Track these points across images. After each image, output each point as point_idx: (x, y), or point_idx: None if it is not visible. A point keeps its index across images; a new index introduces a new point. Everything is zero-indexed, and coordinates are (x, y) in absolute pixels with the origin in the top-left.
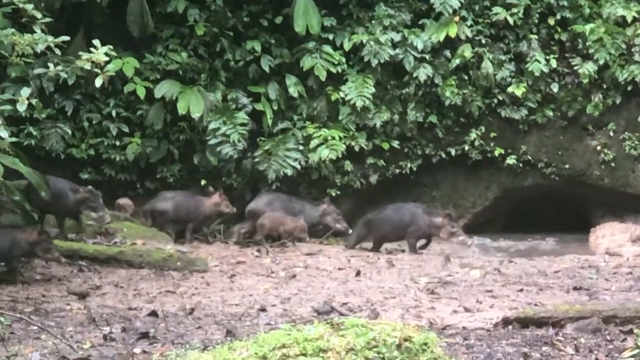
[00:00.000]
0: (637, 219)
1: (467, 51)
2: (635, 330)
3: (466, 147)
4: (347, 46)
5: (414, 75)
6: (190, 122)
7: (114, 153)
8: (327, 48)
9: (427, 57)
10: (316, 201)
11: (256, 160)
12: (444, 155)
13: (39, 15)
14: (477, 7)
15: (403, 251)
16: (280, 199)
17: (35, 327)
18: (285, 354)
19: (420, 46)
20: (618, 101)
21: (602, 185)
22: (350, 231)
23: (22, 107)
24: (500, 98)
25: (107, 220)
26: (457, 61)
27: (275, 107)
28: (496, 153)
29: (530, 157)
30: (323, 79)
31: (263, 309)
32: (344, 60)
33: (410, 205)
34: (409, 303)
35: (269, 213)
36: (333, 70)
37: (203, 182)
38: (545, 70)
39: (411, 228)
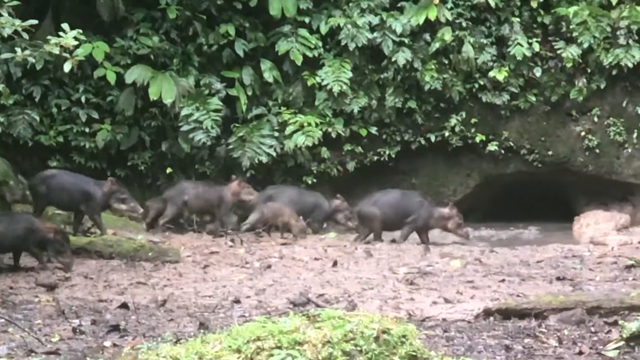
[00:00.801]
0: (622, 207)
1: (447, 34)
2: (620, 322)
3: (446, 133)
4: (323, 30)
5: (393, 59)
6: (162, 108)
7: (84, 140)
8: (303, 32)
9: (406, 40)
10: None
11: (230, 147)
12: (423, 142)
13: None
14: None
15: (395, 240)
16: (288, 192)
17: (2, 320)
18: (259, 346)
19: (399, 29)
20: (603, 86)
21: (586, 172)
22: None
23: None
24: (482, 83)
25: (139, 210)
26: (437, 45)
27: (249, 93)
28: (477, 139)
29: (512, 144)
30: (299, 63)
31: (237, 301)
32: (320, 44)
33: (415, 193)
34: (388, 294)
35: (270, 203)
36: (309, 54)
37: (169, 170)
38: (528, 54)
39: (411, 217)
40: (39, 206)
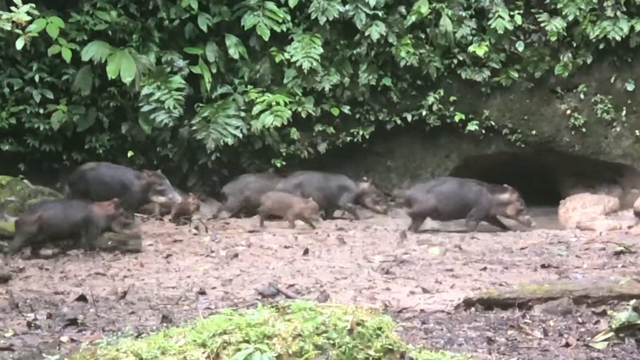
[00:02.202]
0: (610, 189)
1: (423, 7)
2: (609, 312)
3: (423, 112)
4: (292, 2)
5: (366, 34)
6: (121, 88)
7: (38, 122)
8: (271, 5)
9: (380, 14)
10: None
11: (194, 128)
12: (399, 122)
13: None
14: None
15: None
16: (313, 179)
17: None
18: (226, 340)
19: (372, 2)
20: (589, 61)
21: (572, 152)
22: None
23: None
24: (461, 58)
25: (179, 200)
26: (413, 18)
27: (214, 70)
28: (456, 118)
29: (493, 123)
30: (266, 38)
31: (202, 292)
32: (289, 18)
33: (472, 182)
34: (362, 284)
35: (272, 192)
36: (277, 29)
37: (130, 153)
38: (510, 27)
39: (474, 209)
40: None
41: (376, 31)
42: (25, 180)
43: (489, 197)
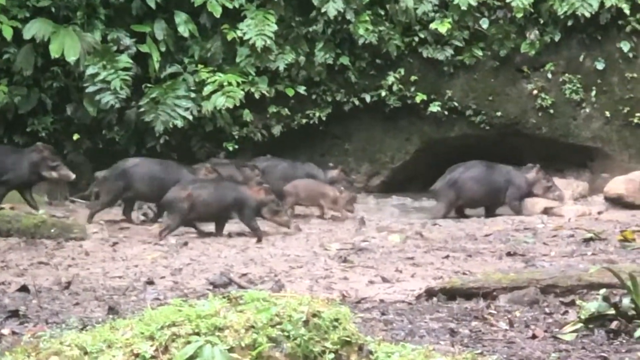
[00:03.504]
0: (579, 173)
1: None
2: (578, 302)
3: (383, 93)
4: None
5: (323, 10)
6: (65, 67)
7: None
8: None
9: None
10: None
11: (141, 110)
12: (357, 103)
13: None
14: None
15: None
16: (278, 167)
17: None
18: (175, 333)
19: None
20: (557, 38)
21: (539, 135)
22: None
23: None
24: (422, 36)
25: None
26: None
27: (162, 49)
28: (417, 99)
29: (456, 104)
30: (218, 15)
31: (150, 282)
32: None
33: (499, 165)
34: (318, 273)
35: (299, 180)
36: (229, 5)
37: (76, 136)
38: (473, 3)
39: (510, 191)
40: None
41: (333, 7)
42: None
43: (521, 177)
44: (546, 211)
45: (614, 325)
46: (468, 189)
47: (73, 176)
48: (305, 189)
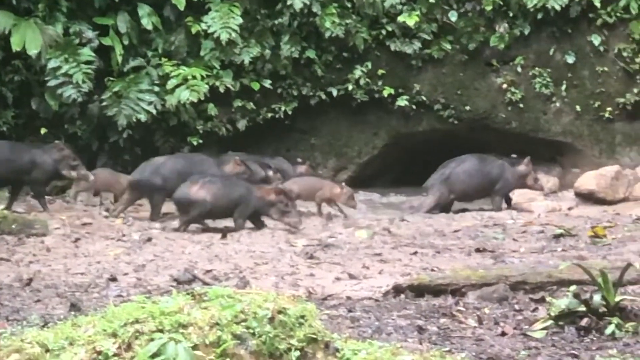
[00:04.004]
0: (549, 168)
1: None
2: (548, 299)
3: (350, 87)
4: None
5: (288, 3)
6: (27, 60)
7: None
8: None
9: None
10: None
11: (104, 104)
12: (324, 97)
13: None
14: None
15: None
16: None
17: None
18: (138, 330)
19: None
20: (527, 32)
21: (508, 129)
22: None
23: None
24: (390, 29)
25: None
26: None
27: (125, 42)
28: (385, 93)
29: (424, 98)
30: (182, 8)
31: (113, 279)
32: None
33: (491, 157)
34: (284, 269)
35: (299, 177)
36: None
37: (44, 130)
38: None
39: (499, 185)
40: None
41: (299, 0)
42: None
43: (512, 170)
44: (516, 207)
45: (584, 322)
46: (461, 182)
47: (92, 177)
48: (303, 185)
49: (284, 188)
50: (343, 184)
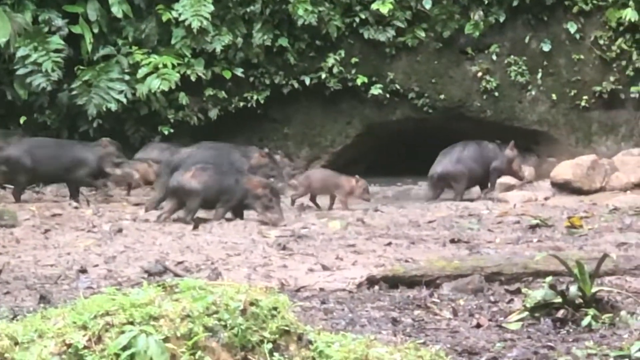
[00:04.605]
0: (525, 158)
1: None
2: (524, 290)
3: (323, 75)
4: None
5: None
6: None
7: None
8: None
9: None
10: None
11: (74, 92)
12: (296, 85)
13: None
14: None
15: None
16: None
17: None
18: (108, 322)
19: None
20: (502, 19)
21: (484, 118)
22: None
23: None
24: (363, 16)
25: (286, 194)
26: None
27: (95, 30)
28: (358, 82)
29: (398, 86)
30: None
31: (83, 270)
32: None
33: (485, 141)
34: (257, 261)
35: (312, 170)
36: None
37: (23, 118)
38: None
39: (492, 167)
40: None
41: None
42: None
43: (503, 154)
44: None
45: (560, 313)
46: (469, 168)
47: (137, 175)
48: (320, 179)
49: (270, 183)
50: (357, 176)
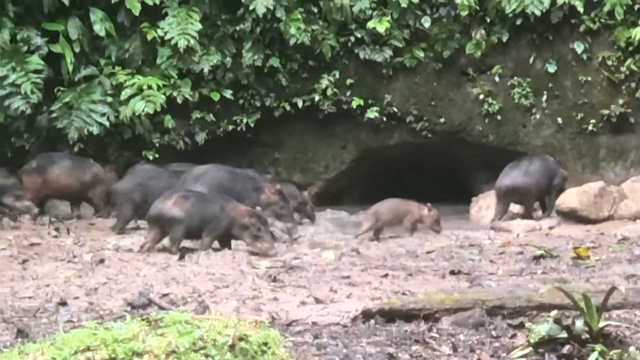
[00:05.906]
0: None
1: None
2: (527, 324)
3: (316, 98)
4: None
5: (250, 7)
6: None
7: None
8: None
9: None
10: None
11: (54, 115)
12: (288, 108)
13: None
14: None
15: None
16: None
17: None
18: (89, 358)
19: None
20: (505, 38)
21: (485, 143)
22: None
23: None
24: (359, 35)
25: (296, 235)
26: None
27: (77, 49)
28: (354, 104)
29: (396, 109)
30: (137, 13)
31: (63, 303)
32: None
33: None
34: (246, 293)
35: (385, 202)
36: (149, 2)
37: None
38: (414, 0)
39: (555, 182)
40: None
41: (262, 4)
42: None
43: (561, 171)
44: (493, 226)
45: (565, 349)
46: (538, 182)
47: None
48: (388, 210)
49: (257, 212)
50: (429, 205)
